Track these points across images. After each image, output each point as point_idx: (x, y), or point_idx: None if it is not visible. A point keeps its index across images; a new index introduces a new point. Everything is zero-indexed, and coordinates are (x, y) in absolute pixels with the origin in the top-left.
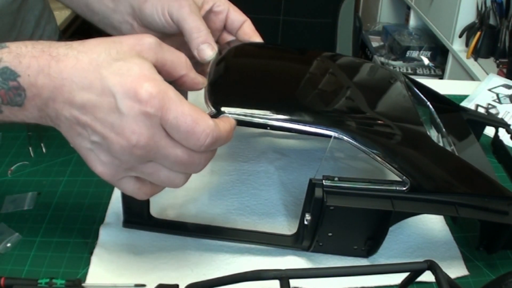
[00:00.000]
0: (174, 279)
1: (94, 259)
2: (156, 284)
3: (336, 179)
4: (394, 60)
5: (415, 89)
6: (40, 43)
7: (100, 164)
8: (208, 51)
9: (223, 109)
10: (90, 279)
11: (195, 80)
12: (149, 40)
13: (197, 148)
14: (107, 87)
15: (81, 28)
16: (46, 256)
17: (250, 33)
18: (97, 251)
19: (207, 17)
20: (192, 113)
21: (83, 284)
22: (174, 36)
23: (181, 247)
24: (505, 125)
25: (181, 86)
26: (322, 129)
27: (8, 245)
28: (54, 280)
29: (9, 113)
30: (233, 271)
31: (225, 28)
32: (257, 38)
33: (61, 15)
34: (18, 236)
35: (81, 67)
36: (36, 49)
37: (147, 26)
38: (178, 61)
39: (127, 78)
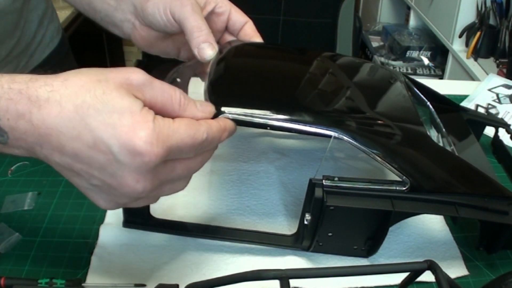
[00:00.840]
0: (174, 279)
1: (94, 259)
2: (156, 284)
3: (336, 179)
4: (394, 60)
5: (415, 89)
6: (17, 81)
7: (102, 200)
8: (208, 51)
9: (223, 109)
10: (90, 279)
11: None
12: (137, 76)
13: (196, 154)
14: (100, 140)
15: (83, 27)
16: (46, 256)
17: (251, 34)
18: (97, 251)
19: (209, 18)
20: (188, 131)
21: (83, 284)
22: (175, 35)
23: (181, 247)
24: (505, 125)
25: None
26: (322, 129)
27: (8, 245)
28: (54, 280)
29: None
30: (233, 271)
31: (226, 29)
32: (258, 39)
33: (61, 15)
34: (18, 236)
35: (66, 116)
36: (13, 90)
37: (149, 25)
38: (170, 103)
39: (120, 129)
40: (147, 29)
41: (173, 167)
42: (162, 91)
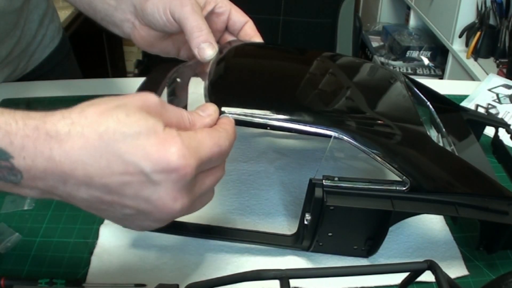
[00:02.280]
0: (174, 279)
1: (94, 259)
2: (156, 284)
3: (336, 179)
4: (394, 60)
5: (415, 89)
6: (32, 117)
7: (136, 227)
8: (209, 50)
9: (223, 109)
10: (90, 279)
11: None
12: (153, 99)
13: (225, 160)
14: (132, 163)
15: (83, 27)
16: (46, 256)
17: (251, 34)
18: (97, 251)
19: (209, 18)
20: (213, 140)
21: (83, 284)
22: (175, 35)
23: (181, 247)
24: (505, 125)
25: None
26: (322, 129)
27: (8, 245)
28: (54, 280)
29: (3, 186)
30: (233, 271)
31: (227, 29)
32: (258, 39)
33: (61, 15)
34: (18, 236)
35: (91, 146)
36: (29, 126)
37: (148, 25)
38: (182, 122)
39: (150, 149)
40: (147, 29)
41: (204, 178)
42: (174, 112)
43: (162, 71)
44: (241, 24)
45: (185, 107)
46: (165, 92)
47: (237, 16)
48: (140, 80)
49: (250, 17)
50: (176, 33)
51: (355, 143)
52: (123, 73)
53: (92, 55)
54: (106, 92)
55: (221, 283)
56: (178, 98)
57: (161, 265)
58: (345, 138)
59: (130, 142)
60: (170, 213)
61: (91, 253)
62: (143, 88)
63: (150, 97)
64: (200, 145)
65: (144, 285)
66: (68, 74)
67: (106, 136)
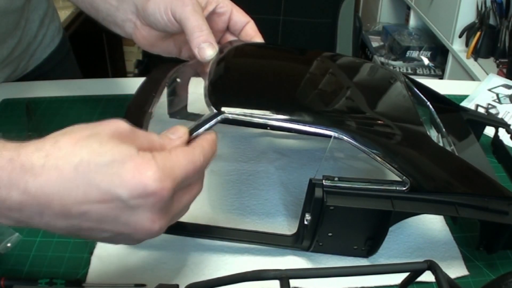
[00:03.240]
0: (174, 279)
1: (94, 259)
2: (156, 284)
3: (336, 179)
4: (394, 60)
5: (415, 89)
6: (7, 148)
7: (116, 244)
8: (209, 50)
9: (223, 109)
10: (90, 279)
11: None
12: (124, 125)
13: (202, 176)
14: (108, 191)
15: (83, 27)
16: (46, 256)
17: (252, 34)
18: (97, 251)
19: (210, 18)
20: (187, 158)
21: (83, 284)
22: (177, 35)
23: (181, 247)
24: (505, 125)
25: None
26: (322, 129)
27: (8, 245)
28: (54, 280)
29: None
30: (233, 271)
31: (228, 29)
32: (259, 39)
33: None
34: (18, 236)
35: (67, 178)
36: (4, 158)
37: (150, 25)
38: (153, 145)
39: (126, 175)
40: (148, 28)
41: (181, 197)
42: (144, 137)
43: (162, 71)
44: (242, 24)
45: (185, 107)
46: (165, 92)
47: (238, 17)
48: (140, 80)
49: (250, 17)
50: (177, 33)
51: (355, 143)
52: (123, 73)
53: (92, 55)
54: (106, 92)
55: (221, 283)
56: (178, 98)
57: (161, 265)
58: (345, 138)
59: (106, 171)
60: (149, 233)
61: (91, 253)
62: (143, 88)
63: (120, 124)
64: (174, 165)
65: (144, 285)
66: (68, 73)
67: (81, 167)
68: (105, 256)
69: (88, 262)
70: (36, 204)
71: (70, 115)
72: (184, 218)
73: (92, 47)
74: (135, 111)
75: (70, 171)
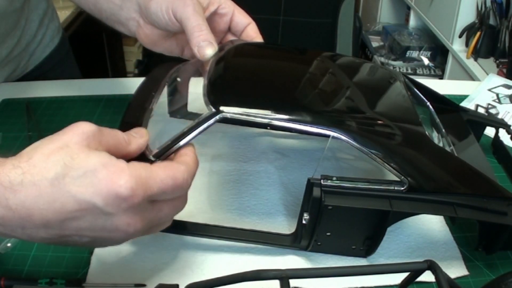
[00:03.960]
0: (174, 279)
1: (94, 259)
2: (156, 284)
3: (334, 178)
4: (394, 60)
5: (415, 89)
6: None
7: (97, 245)
8: (208, 49)
9: (222, 108)
10: (90, 279)
11: (138, 151)
12: (88, 128)
13: (184, 192)
14: (84, 201)
15: (83, 27)
16: (46, 256)
17: (253, 36)
18: (97, 251)
19: (211, 19)
20: (167, 173)
21: (83, 284)
22: (179, 34)
23: (181, 247)
24: (505, 126)
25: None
26: (321, 128)
27: (8, 245)
28: (54, 280)
29: None
30: (233, 271)
31: (229, 30)
32: (260, 41)
33: (61, 15)
34: None
35: (45, 193)
36: None
37: (152, 24)
38: (118, 142)
39: (99, 185)
40: (150, 27)
41: (160, 207)
42: (110, 135)
43: (162, 71)
44: (244, 25)
45: (185, 106)
46: (165, 91)
47: (239, 18)
48: (140, 80)
49: (251, 17)
50: (179, 32)
51: (353, 143)
52: (123, 73)
53: (92, 55)
54: (106, 92)
55: (221, 283)
56: (178, 97)
57: (161, 265)
58: (343, 138)
59: (80, 183)
60: (125, 235)
61: (91, 253)
62: (143, 88)
63: (86, 129)
64: (151, 176)
65: (144, 285)
66: (68, 73)
67: (57, 181)
68: (105, 256)
69: (88, 262)
70: (18, 217)
71: (70, 115)
72: (184, 218)
73: (92, 47)
74: (135, 108)
75: (46, 185)
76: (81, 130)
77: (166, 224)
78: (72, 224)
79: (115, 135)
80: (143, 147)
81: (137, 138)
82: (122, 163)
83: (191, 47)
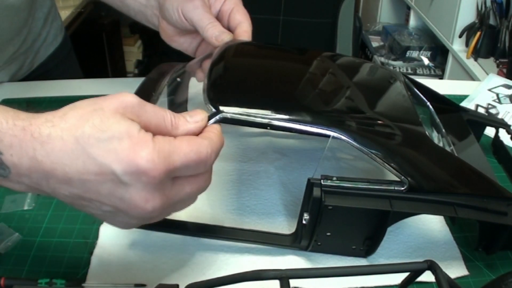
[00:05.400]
0: (174, 279)
1: (94, 259)
2: (156, 284)
3: (334, 178)
4: (394, 60)
5: (415, 89)
6: (21, 118)
7: (118, 223)
8: (225, 35)
9: (222, 108)
10: (90, 279)
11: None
12: (130, 99)
13: (207, 169)
14: (104, 165)
15: (83, 27)
16: (46, 256)
17: (242, 35)
18: (97, 251)
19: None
20: (191, 147)
21: (83, 284)
22: (193, 34)
23: (181, 247)
24: (505, 126)
25: None
26: (321, 128)
27: (8, 244)
28: (54, 280)
29: None
30: (233, 271)
31: (228, 28)
32: (246, 39)
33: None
34: (18, 236)
35: (69, 148)
36: (17, 127)
37: (168, 21)
38: (163, 124)
39: (121, 153)
40: (165, 23)
41: (182, 184)
42: (154, 113)
43: (162, 71)
44: (236, 23)
45: (185, 107)
46: (165, 91)
47: (235, 15)
48: (140, 80)
49: (250, 17)
50: (192, 31)
51: (353, 143)
52: (123, 73)
53: (92, 55)
54: (106, 92)
55: (221, 283)
56: (178, 97)
57: (161, 265)
58: (343, 138)
59: (103, 146)
60: (143, 213)
61: (91, 253)
62: (143, 88)
63: (127, 99)
64: (174, 150)
65: (144, 285)
66: (70, 71)
67: (82, 140)
68: (105, 256)
69: (88, 262)
70: (42, 170)
71: None
72: (184, 218)
73: (92, 47)
74: None
75: (72, 142)
76: (122, 99)
77: (188, 204)
78: (93, 187)
79: (161, 115)
80: (194, 134)
81: (188, 124)
82: (147, 135)
83: (208, 39)
